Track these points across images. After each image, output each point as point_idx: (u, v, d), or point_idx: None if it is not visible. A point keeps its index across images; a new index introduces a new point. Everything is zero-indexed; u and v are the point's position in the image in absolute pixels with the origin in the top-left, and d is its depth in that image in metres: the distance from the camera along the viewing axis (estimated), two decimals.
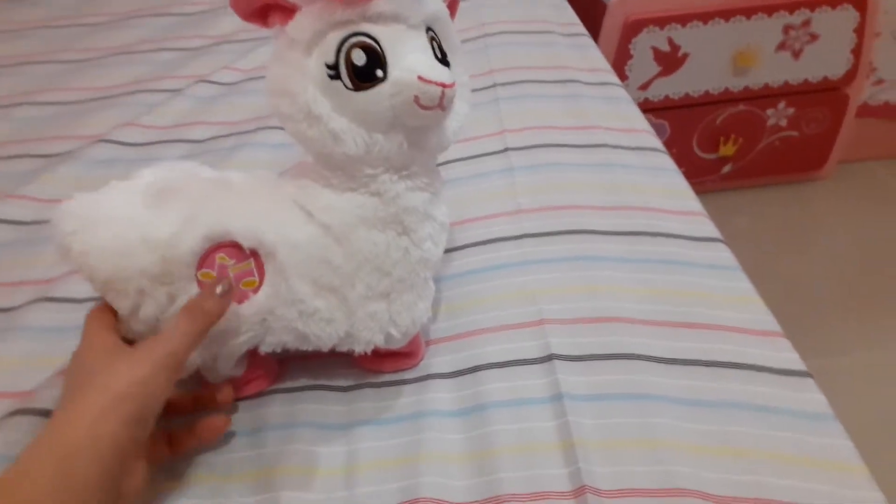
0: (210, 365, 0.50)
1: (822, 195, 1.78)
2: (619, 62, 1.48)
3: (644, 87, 1.53)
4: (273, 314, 0.47)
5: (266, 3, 0.43)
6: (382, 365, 0.55)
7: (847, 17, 1.50)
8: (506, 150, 0.75)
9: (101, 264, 0.45)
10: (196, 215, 0.46)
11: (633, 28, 1.44)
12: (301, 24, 0.42)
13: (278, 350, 0.49)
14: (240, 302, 0.47)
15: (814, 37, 1.52)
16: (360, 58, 0.42)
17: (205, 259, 0.46)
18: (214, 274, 0.47)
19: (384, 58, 0.42)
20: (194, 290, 0.46)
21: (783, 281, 1.54)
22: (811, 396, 0.51)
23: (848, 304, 1.49)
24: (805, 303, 1.50)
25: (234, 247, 0.47)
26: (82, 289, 0.63)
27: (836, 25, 1.50)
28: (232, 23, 1.11)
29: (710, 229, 0.65)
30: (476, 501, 0.46)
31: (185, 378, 0.49)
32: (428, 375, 0.54)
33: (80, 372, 0.43)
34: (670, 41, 1.48)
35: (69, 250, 0.45)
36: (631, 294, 0.58)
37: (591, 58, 0.93)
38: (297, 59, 0.43)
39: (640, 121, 0.79)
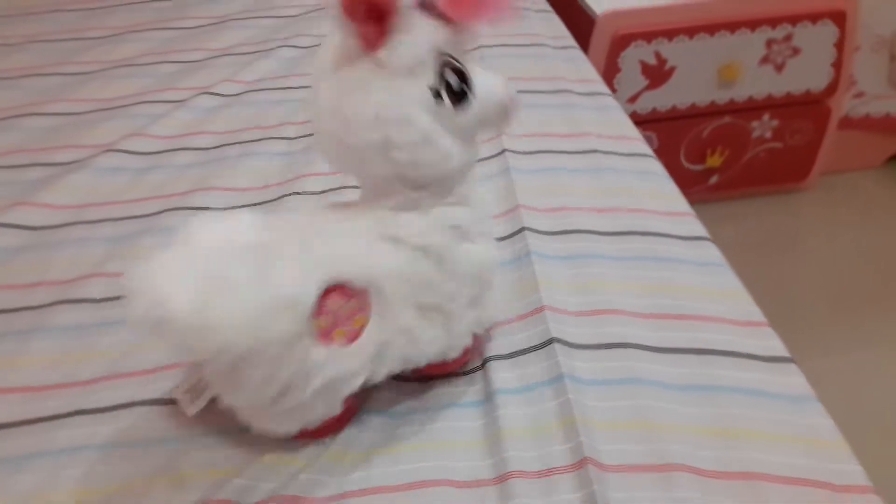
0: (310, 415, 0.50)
1: (806, 205, 1.82)
2: (608, 75, 1.52)
3: (632, 99, 1.57)
4: (386, 345, 0.48)
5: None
6: (445, 368, 0.56)
7: (827, 31, 1.55)
8: (503, 151, 0.79)
9: (236, 337, 0.42)
10: (310, 265, 0.45)
11: (621, 42, 1.49)
12: (405, 51, 0.42)
13: (383, 379, 0.50)
14: (352, 341, 0.47)
15: (796, 51, 1.56)
16: (454, 80, 0.44)
17: (320, 308, 0.45)
18: (330, 320, 0.45)
19: (469, 78, 0.45)
20: (314, 341, 0.45)
21: (769, 287, 1.57)
22: (794, 380, 0.54)
23: (832, 309, 1.53)
24: (791, 308, 1.53)
25: (341, 288, 0.46)
26: (98, 289, 0.66)
27: (816, 40, 1.55)
28: (232, 36, 1.15)
29: (697, 229, 0.68)
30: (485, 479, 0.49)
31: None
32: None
33: None
34: (657, 55, 1.52)
35: (178, 324, 0.41)
36: (624, 289, 0.62)
37: (581, 69, 0.97)
38: (395, 85, 0.42)
39: (629, 128, 0.83)
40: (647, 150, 0.80)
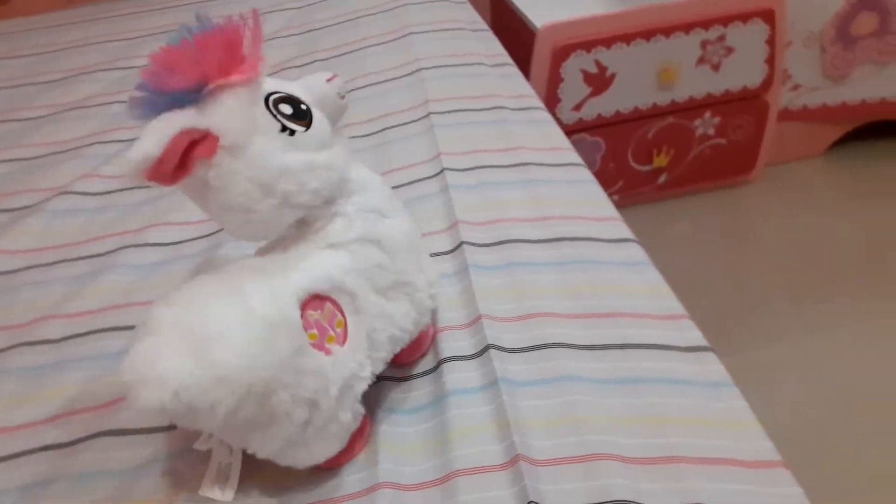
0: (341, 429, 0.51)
1: (754, 196, 1.89)
2: (552, 86, 1.57)
3: (577, 107, 1.63)
4: (373, 331, 0.52)
5: (184, 148, 0.42)
6: (418, 351, 0.61)
7: (758, 29, 1.61)
8: (442, 171, 0.82)
9: (253, 371, 0.43)
10: (278, 286, 0.47)
11: (561, 53, 1.54)
12: (236, 127, 0.44)
13: (381, 371, 0.54)
14: (343, 343, 0.50)
15: (730, 50, 1.63)
16: (287, 108, 0.48)
17: (303, 323, 0.47)
18: (316, 332, 0.48)
19: (295, 96, 0.49)
20: (315, 354, 0.47)
21: (723, 278, 1.64)
22: (712, 368, 0.58)
23: (784, 295, 1.59)
24: (744, 296, 1.59)
25: (313, 300, 0.49)
26: (56, 330, 0.68)
27: (748, 38, 1.62)
28: None
29: (623, 231, 0.73)
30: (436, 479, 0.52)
31: None
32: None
33: None
34: (597, 63, 1.57)
35: (193, 388, 0.41)
36: (555, 293, 0.66)
37: (516, 85, 1.02)
38: (254, 153, 0.45)
39: (560, 139, 0.87)
40: (577, 158, 0.84)
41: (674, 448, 0.53)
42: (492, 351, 0.60)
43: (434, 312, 0.63)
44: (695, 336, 0.61)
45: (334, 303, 0.50)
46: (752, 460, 0.52)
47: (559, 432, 0.54)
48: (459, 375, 0.59)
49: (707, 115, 1.72)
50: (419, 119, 0.95)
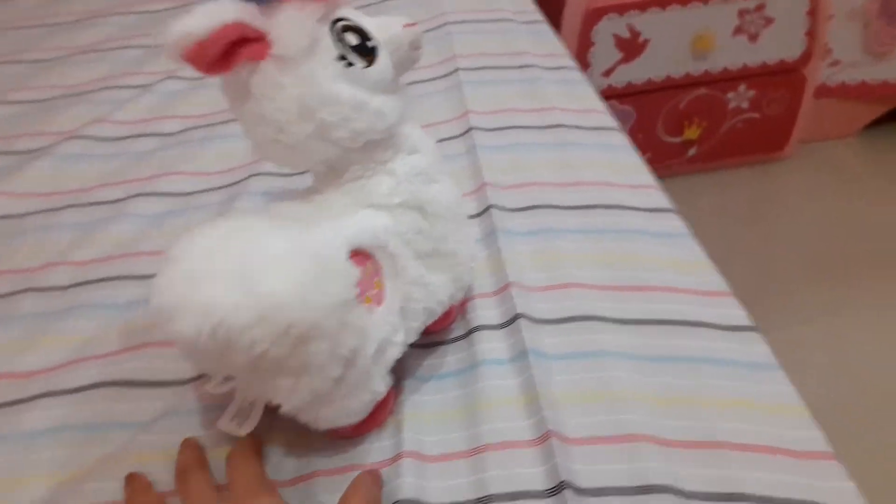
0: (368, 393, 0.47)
1: (785, 174, 1.83)
2: (582, 50, 1.52)
3: (607, 73, 1.57)
4: (408, 299, 0.48)
5: (232, 41, 0.39)
6: (446, 320, 0.57)
7: (799, 0, 1.54)
8: (469, 130, 0.78)
9: (294, 312, 0.38)
10: (328, 233, 0.44)
11: (593, 16, 1.48)
12: (291, 40, 0.41)
13: (415, 339, 0.51)
14: (380, 303, 0.47)
15: (769, 20, 1.56)
16: (352, 38, 0.44)
17: None
18: (358, 289, 0.44)
19: (364, 29, 0.45)
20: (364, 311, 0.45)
21: (749, 257, 1.59)
22: (756, 348, 0.54)
23: (811, 277, 1.55)
24: (771, 277, 1.55)
25: (356, 256, 0.45)
26: (64, 277, 0.66)
27: (789, 8, 1.55)
28: None
29: (661, 200, 0.68)
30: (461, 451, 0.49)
31: None
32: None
33: None
34: (630, 28, 1.51)
35: (232, 323, 0.37)
36: (588, 262, 0.62)
37: (547, 43, 0.96)
38: (304, 72, 0.41)
39: (595, 102, 0.83)
40: (613, 123, 0.79)
41: (716, 432, 0.49)
42: (521, 321, 0.56)
43: (470, 287, 0.59)
44: (738, 314, 0.57)
45: (374, 262, 0.47)
46: (801, 450, 0.48)
47: (593, 409, 0.50)
48: (487, 346, 0.55)
49: (741, 87, 1.66)
50: (446, 75, 0.90)
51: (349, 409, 0.46)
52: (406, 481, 0.47)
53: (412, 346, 0.54)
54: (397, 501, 0.46)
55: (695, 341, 0.55)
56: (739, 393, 0.51)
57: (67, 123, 0.89)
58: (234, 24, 0.39)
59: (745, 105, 1.70)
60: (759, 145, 1.79)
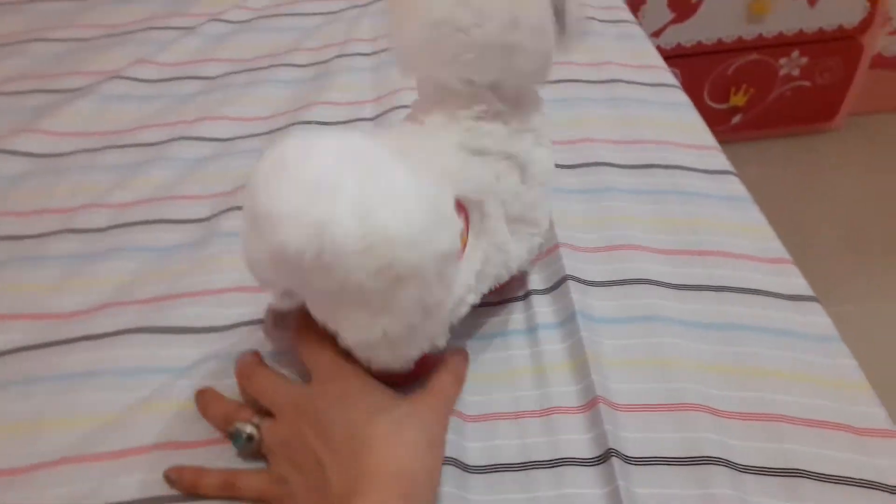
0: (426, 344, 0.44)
1: (832, 147, 1.77)
2: (633, 8, 1.46)
3: (657, 34, 1.52)
4: (486, 261, 0.46)
5: None
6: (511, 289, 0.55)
7: None
8: None
9: (408, 251, 0.36)
10: (440, 181, 0.41)
11: None
12: None
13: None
14: (460, 258, 0.44)
15: None
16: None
17: None
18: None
19: None
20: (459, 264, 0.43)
21: (791, 231, 1.54)
22: (818, 320, 0.52)
23: (855, 256, 1.50)
24: (813, 253, 1.50)
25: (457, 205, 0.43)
26: (102, 219, 0.65)
27: None
28: None
29: (722, 162, 0.65)
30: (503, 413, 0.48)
31: None
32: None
33: (346, 435, 0.39)
34: None
35: (341, 247, 0.35)
36: (645, 224, 0.59)
37: None
38: None
39: (654, 58, 0.80)
40: (673, 80, 0.76)
41: (771, 404, 0.47)
42: (570, 283, 0.54)
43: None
44: (800, 283, 0.55)
45: (466, 216, 0.44)
46: (862, 427, 0.46)
47: (643, 376, 0.49)
48: (534, 309, 0.54)
49: (795, 53, 1.60)
50: None
51: (408, 357, 0.44)
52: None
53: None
54: None
55: (753, 309, 0.53)
56: (798, 365, 0.49)
57: (110, 63, 0.88)
58: None
59: (796, 72, 1.64)
60: (807, 115, 1.74)
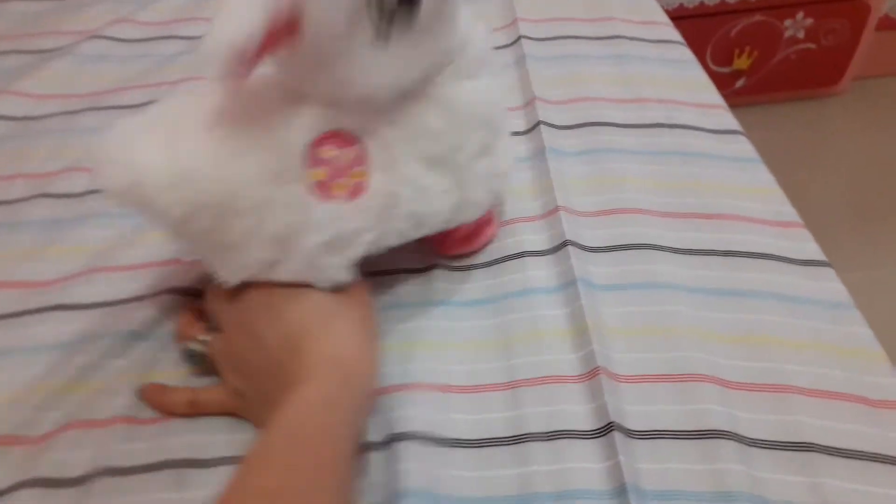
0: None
1: (836, 111, 1.73)
2: None
3: None
4: (395, 197, 0.42)
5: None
6: (472, 243, 0.52)
7: None
8: (519, 39, 0.72)
9: (205, 184, 0.38)
10: (297, 108, 0.40)
11: None
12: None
13: (394, 244, 0.45)
14: (355, 195, 0.41)
15: None
16: None
17: (312, 156, 0.40)
18: (326, 171, 0.40)
19: None
20: (309, 192, 0.40)
21: (795, 197, 1.52)
22: (830, 286, 0.50)
23: (859, 222, 1.47)
24: (816, 219, 1.47)
25: (336, 136, 0.41)
26: (80, 183, 0.62)
27: None
28: None
29: (730, 121, 0.62)
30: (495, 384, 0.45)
31: None
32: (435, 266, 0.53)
33: (280, 339, 0.41)
34: None
35: (152, 185, 0.37)
36: (648, 186, 0.57)
37: None
38: None
39: (658, 13, 0.76)
40: (678, 36, 0.73)
41: (781, 375, 0.45)
42: (570, 248, 0.51)
43: (497, 205, 0.54)
44: (811, 248, 0.52)
45: (363, 150, 0.41)
46: (877, 398, 0.44)
47: (646, 345, 0.46)
48: (531, 273, 0.51)
49: (800, 15, 1.56)
50: None
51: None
52: (420, 411, 0.43)
53: (447, 268, 0.50)
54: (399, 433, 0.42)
55: (762, 275, 0.50)
56: (810, 333, 0.47)
57: (88, 22, 0.84)
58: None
59: (800, 35, 1.60)
60: (812, 79, 1.69)
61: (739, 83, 1.66)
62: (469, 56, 0.43)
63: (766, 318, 0.48)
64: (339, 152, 0.40)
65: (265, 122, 0.39)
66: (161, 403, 0.45)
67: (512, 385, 0.45)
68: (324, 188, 0.40)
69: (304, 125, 0.39)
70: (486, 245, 0.53)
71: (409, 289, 0.51)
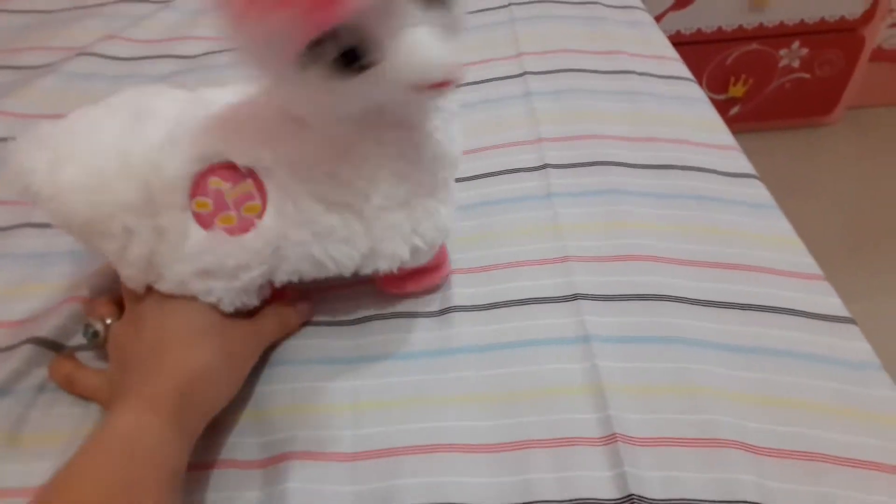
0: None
1: (829, 141, 1.73)
2: None
3: (656, 20, 1.46)
4: (286, 239, 0.41)
5: None
6: (407, 285, 0.49)
7: None
8: (524, 74, 0.69)
9: (76, 205, 0.40)
10: (180, 136, 0.41)
11: None
12: None
13: (294, 279, 0.44)
14: (244, 231, 0.41)
15: None
16: None
17: (197, 186, 0.40)
18: (210, 203, 0.40)
19: None
20: (187, 222, 0.41)
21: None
22: (855, 345, 0.47)
23: (851, 253, 1.47)
24: (808, 248, 1.46)
25: (228, 168, 0.40)
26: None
27: None
28: None
29: (744, 164, 0.60)
30: (498, 444, 0.42)
31: None
32: (445, 309, 0.50)
33: (154, 338, 0.42)
34: None
35: (37, 194, 0.41)
36: (660, 231, 0.54)
37: None
38: None
39: (667, 48, 0.74)
40: (687, 73, 0.71)
41: (812, 441, 0.42)
42: (581, 301, 0.49)
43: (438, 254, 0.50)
44: (834, 303, 0.50)
45: (260, 185, 0.40)
46: None
47: (665, 405, 0.44)
48: (540, 322, 0.48)
49: (795, 44, 1.56)
50: (498, 8, 0.81)
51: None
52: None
53: (426, 315, 0.49)
54: None
55: (785, 331, 0.48)
56: (838, 396, 0.44)
57: (77, 38, 0.81)
58: None
59: (796, 64, 1.60)
60: (806, 108, 1.69)
61: (734, 110, 1.66)
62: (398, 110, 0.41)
63: (791, 380, 0.45)
64: (227, 185, 0.41)
65: (145, 150, 0.41)
66: (50, 367, 0.47)
67: (522, 445, 0.42)
68: (204, 219, 0.41)
69: (188, 156, 0.40)
70: (434, 289, 0.51)
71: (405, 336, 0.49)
